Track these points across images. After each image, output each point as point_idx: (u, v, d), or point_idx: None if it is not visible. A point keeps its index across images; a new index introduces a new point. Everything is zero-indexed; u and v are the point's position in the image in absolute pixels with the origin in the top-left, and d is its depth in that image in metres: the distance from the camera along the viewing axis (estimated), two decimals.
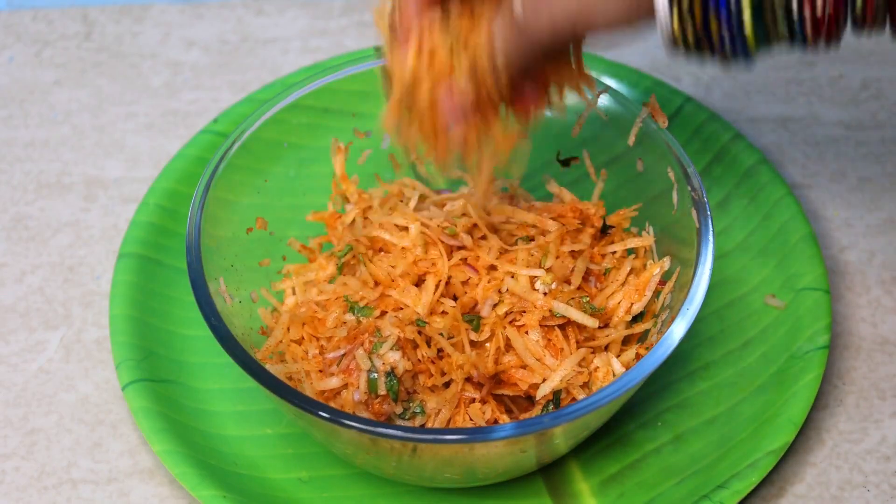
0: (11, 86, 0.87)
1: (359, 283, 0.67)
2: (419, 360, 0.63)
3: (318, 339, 0.66)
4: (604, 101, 0.69)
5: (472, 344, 0.64)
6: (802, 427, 0.68)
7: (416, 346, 0.63)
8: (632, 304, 0.66)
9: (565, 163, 0.72)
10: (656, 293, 0.66)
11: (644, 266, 0.67)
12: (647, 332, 0.66)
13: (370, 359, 0.62)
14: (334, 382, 0.63)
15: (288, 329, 0.66)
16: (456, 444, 0.58)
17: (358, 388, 0.62)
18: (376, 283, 0.67)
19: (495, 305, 0.65)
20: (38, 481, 0.67)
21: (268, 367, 0.63)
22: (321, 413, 0.57)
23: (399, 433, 0.57)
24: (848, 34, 0.53)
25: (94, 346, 0.73)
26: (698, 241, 0.63)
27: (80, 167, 0.82)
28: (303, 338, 0.66)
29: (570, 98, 0.70)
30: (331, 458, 0.67)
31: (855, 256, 0.76)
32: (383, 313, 0.65)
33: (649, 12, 0.53)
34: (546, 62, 0.59)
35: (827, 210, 0.79)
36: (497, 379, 0.64)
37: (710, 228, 0.63)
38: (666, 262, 0.66)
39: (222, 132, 0.79)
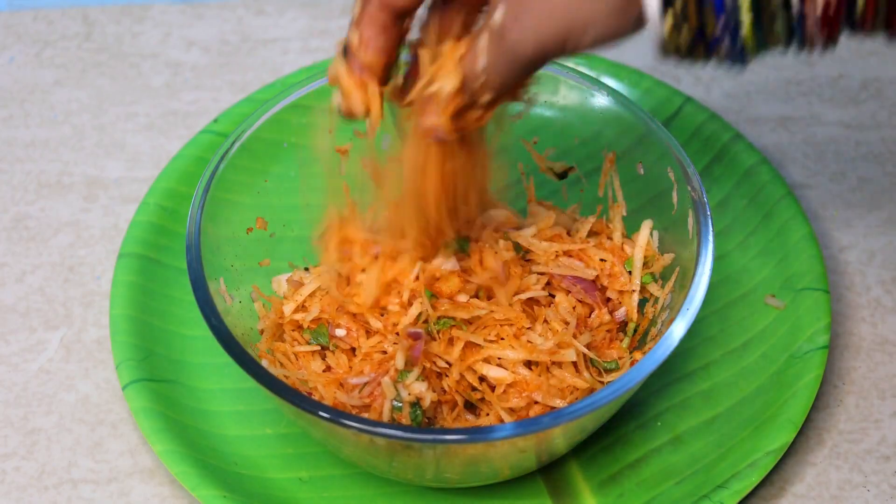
0: (12, 86, 0.87)
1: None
2: (444, 391, 0.63)
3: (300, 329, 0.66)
4: (603, 101, 0.69)
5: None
6: (802, 427, 0.68)
7: (440, 376, 0.63)
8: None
9: (562, 175, 0.72)
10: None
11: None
12: (646, 332, 0.66)
13: (396, 387, 0.62)
14: (356, 402, 0.63)
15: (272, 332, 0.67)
16: (456, 444, 0.58)
17: (381, 415, 0.62)
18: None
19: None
20: (38, 481, 0.67)
21: (264, 362, 0.64)
22: (321, 413, 0.57)
23: (399, 433, 0.57)
24: (844, 36, 0.52)
25: (94, 345, 0.73)
26: (698, 242, 0.63)
27: (80, 167, 0.82)
28: (284, 333, 0.66)
29: (571, 98, 0.70)
30: (331, 458, 0.67)
31: (855, 256, 0.76)
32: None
33: (639, 22, 0.51)
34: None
35: (827, 210, 0.79)
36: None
37: (710, 228, 0.63)
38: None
39: (222, 132, 0.79)
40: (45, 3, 0.92)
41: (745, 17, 0.50)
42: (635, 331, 0.67)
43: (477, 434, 0.58)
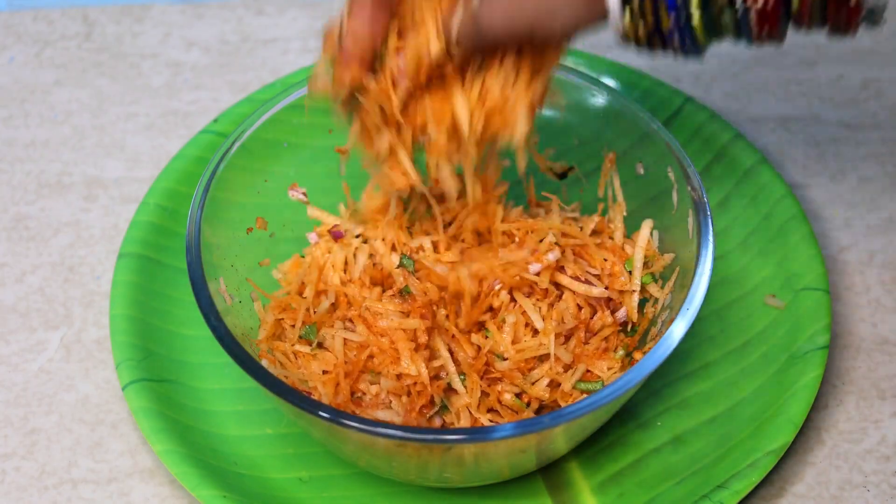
0: (12, 86, 0.87)
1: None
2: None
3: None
4: (603, 100, 0.69)
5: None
6: (802, 427, 0.68)
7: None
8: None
9: (562, 175, 0.72)
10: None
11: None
12: (646, 332, 0.66)
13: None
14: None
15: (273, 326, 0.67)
16: (456, 444, 0.58)
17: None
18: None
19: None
20: (38, 481, 0.67)
21: (264, 362, 0.64)
22: (321, 413, 0.57)
23: (399, 433, 0.57)
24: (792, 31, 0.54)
25: (94, 345, 0.73)
26: (698, 241, 0.63)
27: (80, 167, 0.82)
28: (283, 329, 0.66)
29: (571, 98, 0.70)
30: (331, 458, 0.67)
31: (855, 256, 0.76)
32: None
33: (603, 13, 0.55)
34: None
35: (827, 210, 0.79)
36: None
37: (710, 228, 0.63)
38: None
39: (222, 132, 0.79)
40: (45, 3, 0.92)
41: (695, 12, 0.54)
42: (635, 331, 0.67)
43: (477, 434, 0.58)
